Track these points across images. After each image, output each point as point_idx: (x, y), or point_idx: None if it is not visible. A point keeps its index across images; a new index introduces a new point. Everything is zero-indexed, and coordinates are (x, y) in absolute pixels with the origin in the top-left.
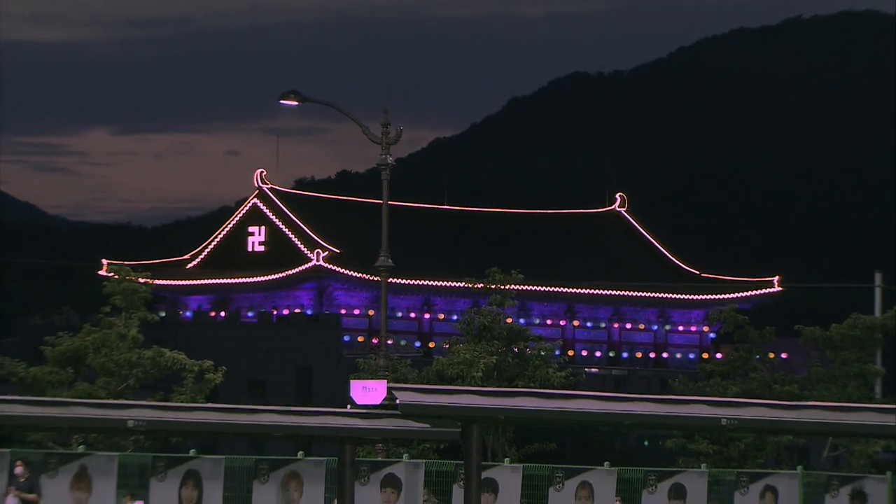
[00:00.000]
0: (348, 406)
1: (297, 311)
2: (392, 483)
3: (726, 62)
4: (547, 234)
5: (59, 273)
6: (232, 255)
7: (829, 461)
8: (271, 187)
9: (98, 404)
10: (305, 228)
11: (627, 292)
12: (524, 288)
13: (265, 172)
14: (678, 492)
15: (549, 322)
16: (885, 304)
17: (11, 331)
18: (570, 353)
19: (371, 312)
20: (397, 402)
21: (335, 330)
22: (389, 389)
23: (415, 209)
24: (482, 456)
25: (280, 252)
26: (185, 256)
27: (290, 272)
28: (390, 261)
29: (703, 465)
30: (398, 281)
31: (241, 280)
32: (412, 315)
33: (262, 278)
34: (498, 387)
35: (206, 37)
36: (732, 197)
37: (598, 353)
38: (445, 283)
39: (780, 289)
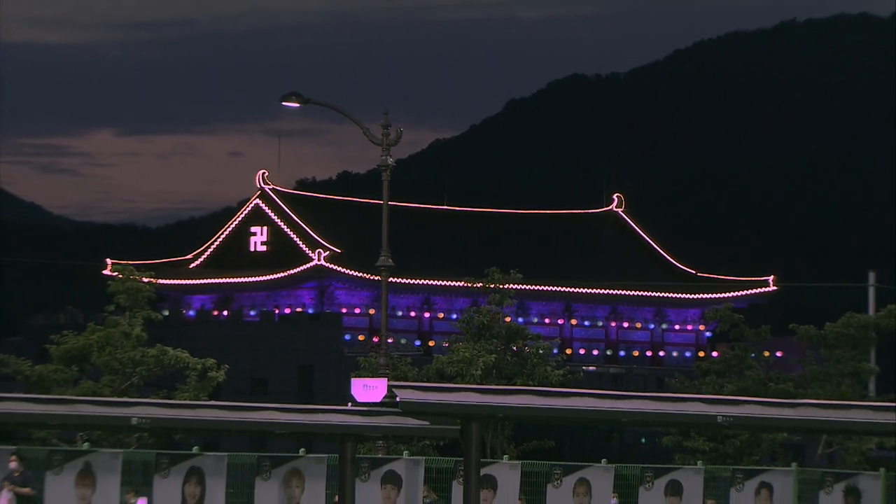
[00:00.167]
0: (349, 404)
1: (298, 310)
2: (392, 480)
3: (722, 64)
4: (545, 234)
5: (64, 272)
6: (234, 255)
7: (824, 458)
8: (273, 188)
9: (102, 402)
10: (307, 228)
11: (624, 291)
12: (523, 287)
13: (267, 173)
14: (674, 488)
15: (547, 321)
16: (879, 303)
17: (17, 329)
18: (568, 351)
19: (372, 311)
20: (398, 399)
21: (336, 329)
22: (390, 387)
23: (415, 209)
24: (481, 453)
25: (282, 252)
26: (189, 256)
27: (292, 272)
28: (391, 260)
29: (700, 462)
30: (398, 280)
31: (243, 279)
32: (412, 314)
33: (265, 278)
34: (497, 385)
35: (209, 39)
36: (728, 197)
37: (595, 352)
38: (445, 282)
39: (775, 288)
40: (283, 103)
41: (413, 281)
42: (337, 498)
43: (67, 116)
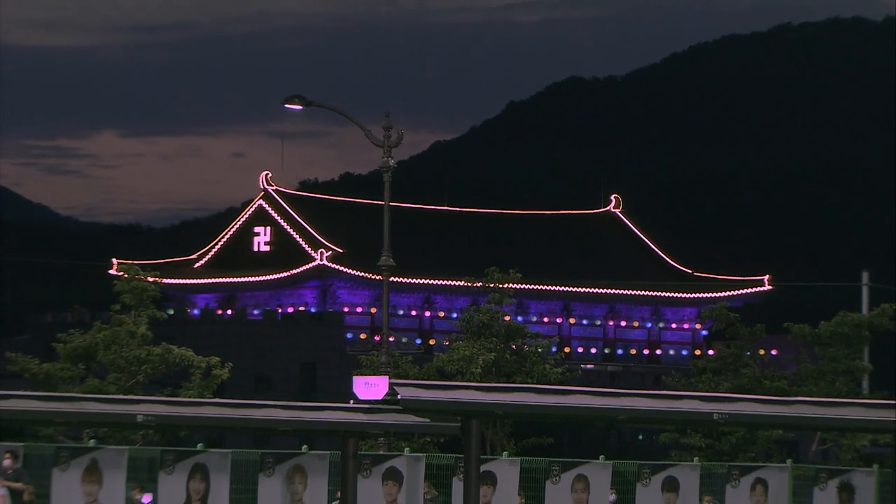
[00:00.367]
0: (351, 401)
1: (301, 309)
2: (394, 476)
3: (718, 67)
4: (544, 234)
5: (71, 272)
6: (238, 255)
7: (818, 455)
8: (276, 189)
9: (108, 399)
10: (309, 229)
11: (622, 291)
12: (522, 287)
13: (270, 174)
14: (671, 484)
15: (546, 320)
16: (872, 302)
17: (24, 328)
18: (567, 349)
19: (373, 310)
20: (399, 397)
21: (338, 327)
22: (391, 385)
23: (416, 210)
24: (481, 449)
25: (285, 252)
26: (193, 256)
27: (295, 271)
28: (392, 260)
29: (696, 459)
30: (400, 280)
31: (247, 279)
32: (413, 313)
33: (268, 277)
34: (496, 383)
35: (213, 42)
36: (724, 198)
37: (593, 350)
38: (445, 281)
39: (769, 287)
40: (286, 106)
41: (414, 280)
42: (339, 494)
43: (73, 119)
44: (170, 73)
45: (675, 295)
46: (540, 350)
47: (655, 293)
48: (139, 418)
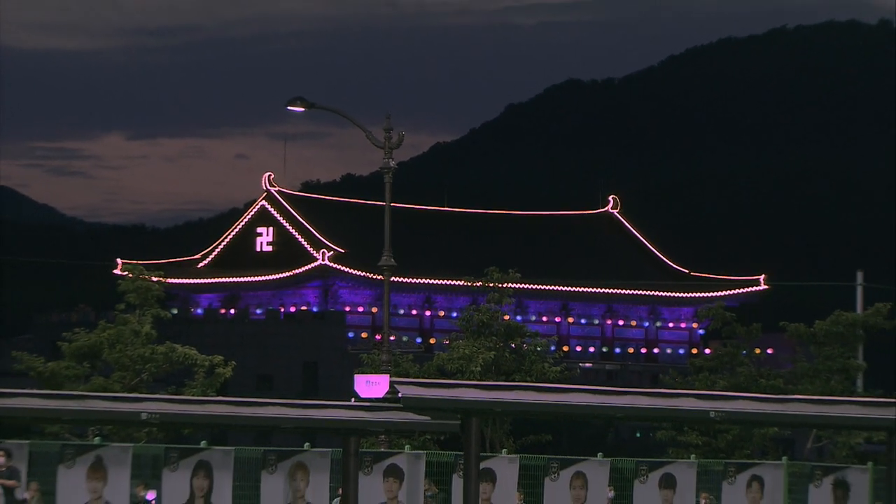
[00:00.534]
0: (352, 399)
1: (303, 308)
2: (394, 473)
3: (714, 70)
4: (543, 234)
5: (76, 272)
6: (241, 255)
7: (813, 452)
8: (279, 190)
9: (113, 398)
10: (311, 229)
11: (620, 290)
12: (521, 286)
13: (273, 175)
14: (668, 481)
15: (544, 319)
16: (867, 302)
17: (30, 327)
18: (565, 348)
19: (374, 310)
20: (399, 395)
21: (340, 326)
22: (392, 383)
23: (416, 211)
24: (481, 447)
25: (287, 252)
26: (196, 256)
27: (297, 271)
28: (393, 260)
29: (693, 456)
30: (400, 280)
31: (249, 279)
32: (414, 312)
33: (270, 277)
34: (496, 381)
35: (216, 45)
36: (720, 199)
37: (591, 349)
38: (445, 281)
39: (765, 287)
40: (289, 108)
41: (414, 280)
42: (340, 491)
43: (78, 120)
44: (173, 76)
45: (673, 294)
46: (539, 349)
47: (653, 293)
48: (144, 416)
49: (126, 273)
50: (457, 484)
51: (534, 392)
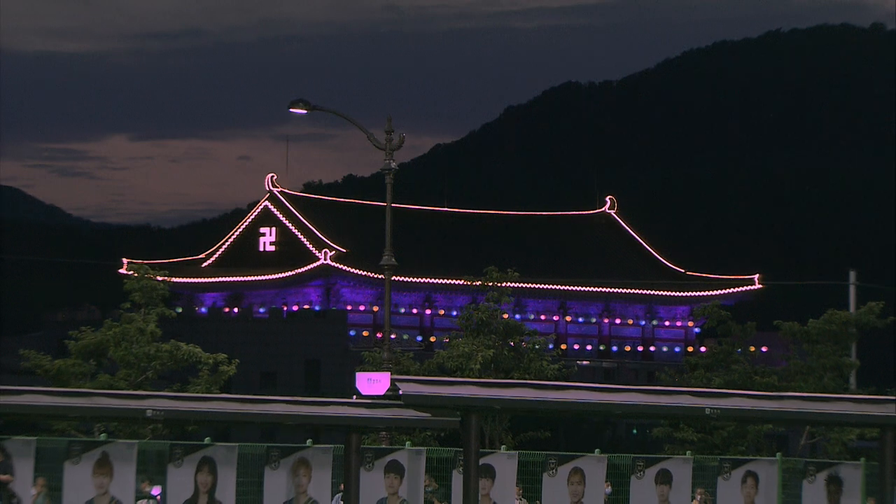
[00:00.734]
0: (354, 397)
1: (305, 307)
2: (395, 469)
3: (710, 72)
4: (541, 234)
5: (82, 271)
6: (244, 255)
7: (807, 448)
8: (281, 190)
9: (118, 395)
10: (314, 229)
11: (617, 289)
12: (520, 285)
13: (276, 176)
14: (664, 477)
15: (543, 317)
16: (859, 301)
17: (37, 325)
18: (563, 346)
19: (375, 308)
20: (400, 392)
21: (342, 325)
22: (393, 381)
23: (417, 211)
24: (480, 443)
25: (290, 252)
26: (201, 256)
27: (300, 270)
28: (394, 260)
29: (688, 452)
30: (401, 279)
31: (253, 278)
32: (414, 311)
33: (273, 276)
34: (495, 378)
35: (220, 49)
36: (716, 200)
37: (589, 347)
38: (445, 280)
39: (760, 286)
40: (291, 110)
41: (415, 279)
42: (342, 486)
43: (84, 122)
44: (178, 79)
45: (669, 293)
46: (537, 347)
47: (649, 292)
48: (149, 413)
49: (131, 272)
50: (456, 479)
51: (532, 389)
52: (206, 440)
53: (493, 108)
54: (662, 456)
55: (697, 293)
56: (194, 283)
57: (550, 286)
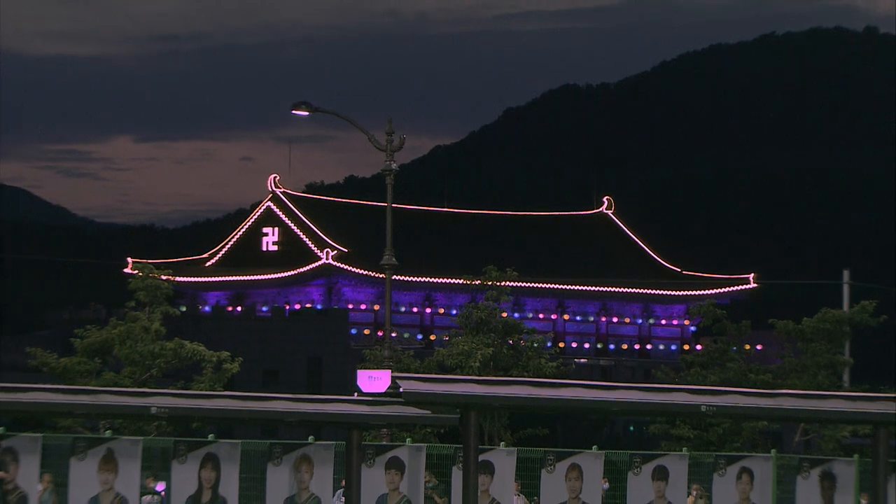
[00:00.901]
0: (355, 394)
1: (307, 305)
2: (396, 465)
3: (706, 75)
4: (539, 234)
5: (88, 271)
6: (247, 254)
7: (801, 445)
8: (284, 191)
9: (123, 392)
10: (315, 229)
11: (614, 288)
12: (518, 284)
13: (278, 177)
14: (661, 473)
15: (541, 316)
16: (853, 300)
17: (44, 324)
18: (561, 344)
19: (376, 307)
20: (401, 390)
21: (343, 323)
22: (393, 378)
23: (417, 211)
24: (479, 440)
25: (292, 251)
26: (204, 255)
27: (302, 270)
28: (394, 259)
29: (684, 449)
30: (401, 278)
31: (255, 277)
32: (414, 310)
33: (276, 275)
34: (494, 376)
35: (223, 51)
36: (711, 200)
37: (586, 345)
38: (445, 280)
39: (755, 285)
40: (294, 112)
41: (415, 278)
42: (344, 483)
43: (89, 124)
44: (182, 81)
45: (665, 292)
46: (535, 345)
47: (646, 291)
48: (153, 410)
49: (136, 272)
50: (456, 476)
51: (531, 387)
52: (210, 437)
53: (492, 109)
54: (659, 452)
55: (693, 292)
56: (198, 282)
57: (549, 285)
